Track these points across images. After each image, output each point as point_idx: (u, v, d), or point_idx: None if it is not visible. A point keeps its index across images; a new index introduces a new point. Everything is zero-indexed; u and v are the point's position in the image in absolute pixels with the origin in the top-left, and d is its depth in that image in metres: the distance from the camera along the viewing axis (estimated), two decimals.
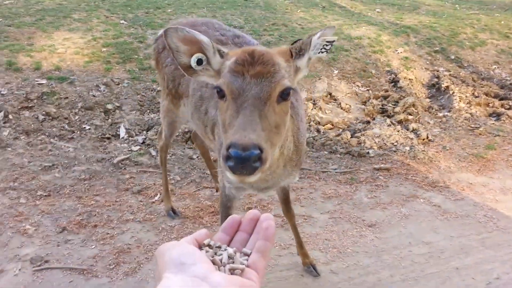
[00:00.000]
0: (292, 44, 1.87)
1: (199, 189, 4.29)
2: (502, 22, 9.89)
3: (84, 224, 3.59)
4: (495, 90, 7.20)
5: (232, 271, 0.78)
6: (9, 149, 4.61)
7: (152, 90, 6.02)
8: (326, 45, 1.83)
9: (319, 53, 1.86)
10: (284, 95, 1.67)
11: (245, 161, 1.34)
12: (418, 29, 8.99)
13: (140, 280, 3.07)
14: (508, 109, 6.64)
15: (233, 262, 0.80)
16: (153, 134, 5.18)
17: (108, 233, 3.51)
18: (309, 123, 6.00)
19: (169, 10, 8.76)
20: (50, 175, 4.23)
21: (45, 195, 3.94)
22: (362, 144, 5.41)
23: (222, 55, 1.79)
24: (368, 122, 6.04)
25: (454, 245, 3.69)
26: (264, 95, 1.58)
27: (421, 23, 9.38)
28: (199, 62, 1.82)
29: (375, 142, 5.45)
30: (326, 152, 5.24)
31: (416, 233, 3.82)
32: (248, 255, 0.83)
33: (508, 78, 7.76)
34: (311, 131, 5.80)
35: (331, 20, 9.20)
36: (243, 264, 0.80)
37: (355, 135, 5.67)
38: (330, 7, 10.70)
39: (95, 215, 3.72)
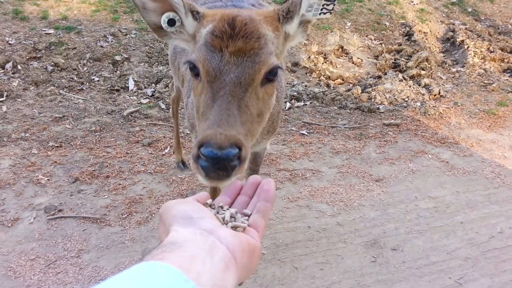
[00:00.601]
0: (282, 3, 1.52)
1: None
2: None
3: (96, 175, 3.66)
4: (511, 45, 6.99)
5: (234, 229, 0.80)
6: (19, 99, 4.64)
7: (160, 42, 5.93)
8: (327, 5, 1.49)
9: (319, 14, 1.53)
10: (271, 75, 1.35)
11: (220, 161, 1.08)
12: None
13: (152, 229, 3.17)
14: None
15: (235, 221, 0.82)
16: (162, 87, 5.16)
17: (120, 184, 3.59)
18: (319, 77, 5.92)
19: None
20: (61, 126, 4.27)
21: (57, 146, 3.99)
22: (373, 100, 5.36)
23: (196, 17, 1.46)
24: (380, 77, 5.95)
25: (460, 200, 3.73)
26: (246, 79, 1.28)
27: None
28: (171, 22, 1.50)
29: (386, 98, 5.40)
30: (335, 107, 5.21)
31: (423, 188, 3.86)
32: (248, 216, 0.86)
33: None
34: (320, 85, 5.73)
35: None
36: (244, 223, 0.82)
37: (366, 90, 5.61)
38: None
39: (107, 166, 3.79)
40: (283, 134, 4.53)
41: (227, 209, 0.86)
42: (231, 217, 0.83)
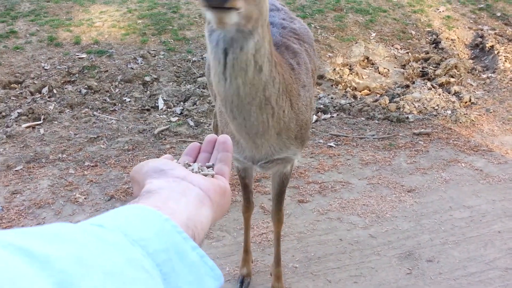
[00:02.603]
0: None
1: None
2: None
3: (131, 192, 3.76)
4: None
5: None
6: (56, 122, 4.84)
7: (187, 61, 6.09)
8: None
9: None
10: None
11: None
12: None
13: None
14: None
15: (202, 172, 0.87)
16: (190, 105, 5.27)
17: None
18: (345, 89, 5.92)
19: None
20: (95, 147, 4.42)
21: (92, 166, 4.14)
22: (401, 109, 5.30)
23: None
24: (408, 86, 5.89)
25: (496, 208, 3.63)
26: None
27: None
28: None
29: (415, 107, 5.33)
30: (363, 118, 5.18)
31: (457, 198, 3.77)
32: (212, 167, 0.90)
33: None
34: (347, 97, 5.72)
35: None
36: (211, 172, 0.87)
37: (394, 100, 5.56)
38: None
39: None
40: (311, 147, 4.54)
41: (192, 163, 0.91)
42: (198, 169, 0.87)
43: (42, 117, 4.87)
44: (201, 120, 5.00)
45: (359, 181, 4.02)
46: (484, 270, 3.03)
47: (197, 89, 5.55)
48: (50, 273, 0.43)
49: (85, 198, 3.69)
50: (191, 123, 4.96)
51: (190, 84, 5.73)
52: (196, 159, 0.96)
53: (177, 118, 5.06)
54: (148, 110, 5.23)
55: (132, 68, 5.81)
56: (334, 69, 6.19)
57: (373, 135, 4.79)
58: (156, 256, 0.56)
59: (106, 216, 0.61)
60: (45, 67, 5.74)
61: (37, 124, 4.76)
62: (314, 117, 5.16)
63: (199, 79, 5.75)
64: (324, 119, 5.16)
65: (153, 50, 6.25)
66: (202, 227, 0.70)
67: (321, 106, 5.35)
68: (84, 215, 3.50)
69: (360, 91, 5.88)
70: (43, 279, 0.43)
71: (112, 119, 4.95)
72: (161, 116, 5.10)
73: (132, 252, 0.54)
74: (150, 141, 4.57)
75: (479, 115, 5.16)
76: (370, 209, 3.65)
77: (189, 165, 0.89)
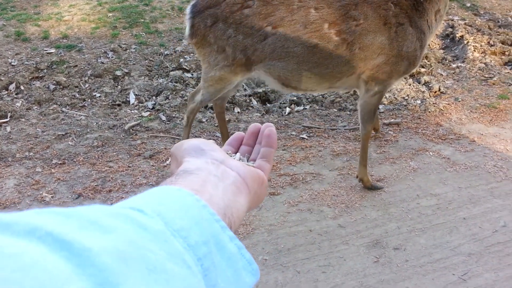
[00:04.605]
0: None
1: None
2: None
3: (99, 190, 3.72)
4: None
5: None
6: (23, 119, 4.73)
7: (159, 55, 6.01)
8: None
9: None
10: None
11: None
12: None
13: None
14: None
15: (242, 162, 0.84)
16: (162, 99, 5.22)
17: (123, 197, 3.64)
18: None
19: None
20: (63, 144, 4.35)
21: (60, 163, 4.07)
22: None
23: None
24: None
25: (462, 195, 3.71)
26: None
27: None
28: None
29: (385, 97, 5.39)
30: (335, 110, 5.22)
31: (424, 186, 3.85)
32: (253, 161, 0.87)
33: None
34: None
35: None
36: (252, 164, 0.83)
37: None
38: None
39: (109, 180, 3.85)
40: (283, 139, 4.56)
41: (234, 154, 0.88)
42: (239, 159, 0.85)
43: (9, 114, 4.76)
44: (174, 115, 4.96)
45: (330, 172, 4.06)
46: (449, 256, 3.10)
47: (170, 83, 5.49)
48: (90, 272, 0.39)
49: (52, 196, 3.63)
50: (163, 118, 4.91)
51: (162, 78, 5.66)
52: (238, 150, 0.92)
53: (148, 113, 5.00)
54: (119, 105, 5.15)
55: (102, 63, 5.71)
56: None
57: (345, 126, 4.83)
58: (197, 249, 0.52)
59: (143, 198, 0.57)
60: (12, 63, 5.60)
61: (4, 122, 4.65)
62: (288, 109, 5.18)
63: (171, 73, 5.69)
64: (297, 111, 5.18)
65: (124, 43, 6.16)
66: (238, 215, 0.67)
67: (295, 98, 5.36)
68: None
69: None
70: (82, 280, 0.38)
71: (81, 115, 4.87)
72: (132, 111, 5.04)
73: (174, 245, 0.49)
74: (121, 137, 4.51)
75: (448, 104, 5.25)
76: (340, 199, 3.69)
77: (230, 156, 0.86)
